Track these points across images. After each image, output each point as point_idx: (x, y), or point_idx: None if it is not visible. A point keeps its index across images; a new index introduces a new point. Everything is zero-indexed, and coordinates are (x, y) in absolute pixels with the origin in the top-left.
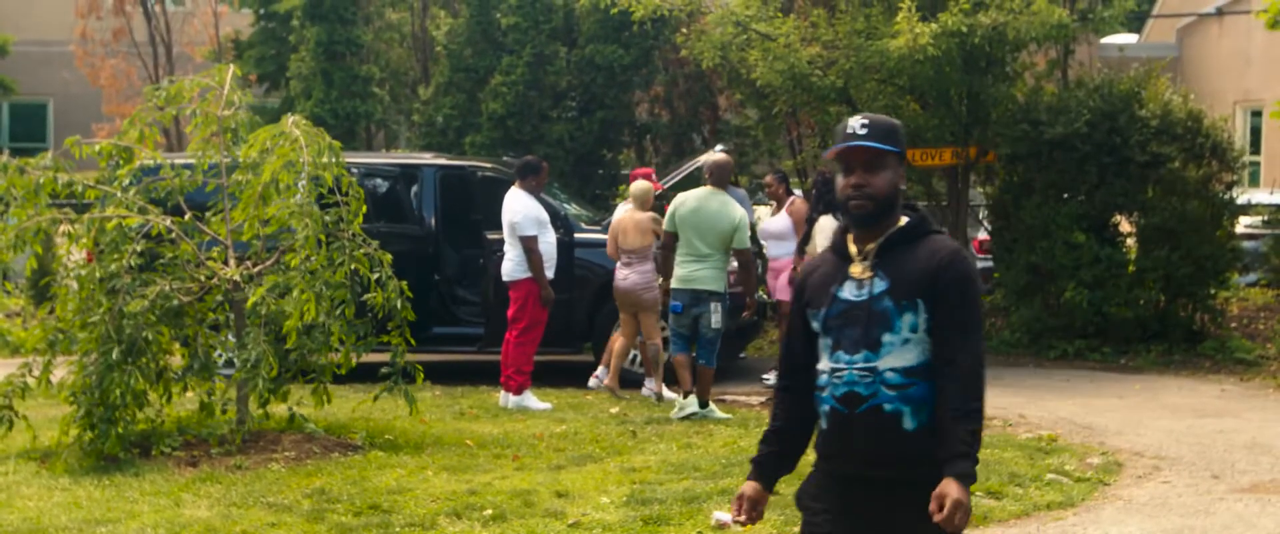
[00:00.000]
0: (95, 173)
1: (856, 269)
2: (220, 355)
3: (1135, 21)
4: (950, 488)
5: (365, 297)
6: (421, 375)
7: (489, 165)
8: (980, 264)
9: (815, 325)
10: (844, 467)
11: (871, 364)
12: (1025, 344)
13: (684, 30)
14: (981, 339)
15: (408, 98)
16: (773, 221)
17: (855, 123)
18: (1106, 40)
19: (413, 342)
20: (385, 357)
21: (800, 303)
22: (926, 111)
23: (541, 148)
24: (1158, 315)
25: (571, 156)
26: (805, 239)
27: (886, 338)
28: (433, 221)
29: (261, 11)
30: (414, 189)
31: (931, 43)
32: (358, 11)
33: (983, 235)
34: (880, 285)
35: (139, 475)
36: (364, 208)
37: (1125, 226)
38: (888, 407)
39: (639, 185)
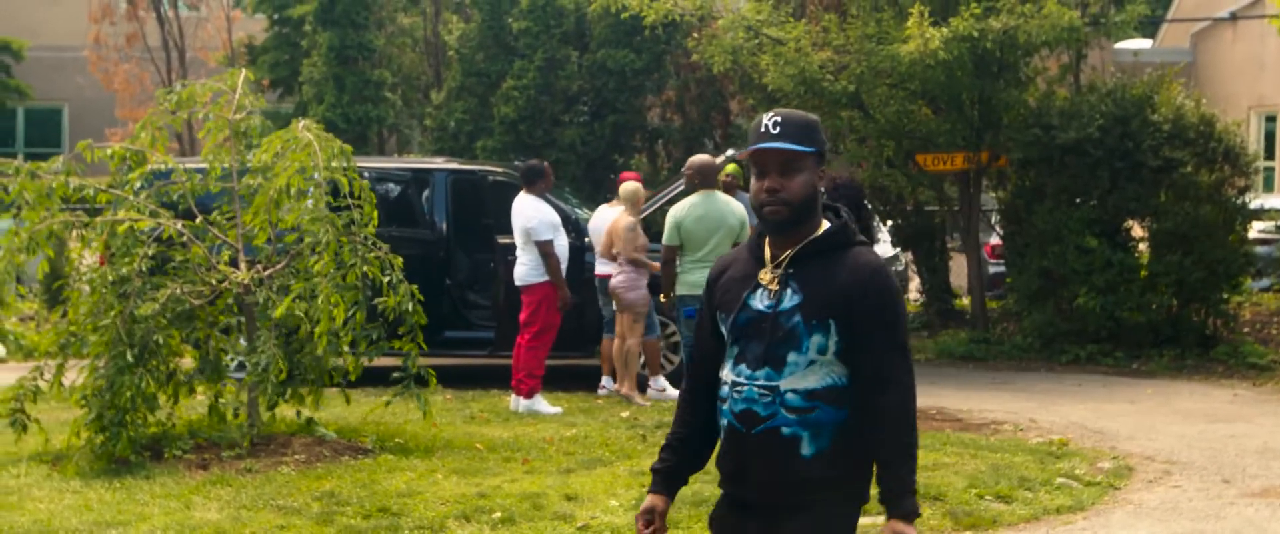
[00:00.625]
0: (108, 177)
1: (766, 276)
2: (231, 359)
3: (1149, 27)
4: (905, 529)
5: (376, 300)
6: (434, 380)
7: (500, 170)
8: (991, 269)
9: (723, 329)
10: (739, 490)
11: (773, 383)
12: (1037, 349)
13: (695, 35)
14: (912, 362)
15: (420, 102)
16: None
17: (768, 120)
18: (1120, 45)
19: (425, 346)
20: (396, 361)
21: (711, 302)
22: (938, 116)
23: (553, 152)
24: (1170, 320)
25: (583, 161)
26: None
27: (792, 357)
28: (444, 226)
29: (275, 17)
30: (425, 193)
31: (942, 47)
32: (370, 16)
33: (995, 240)
34: (791, 299)
35: (149, 478)
36: (376, 212)
37: (1137, 231)
38: (786, 430)
39: (629, 186)
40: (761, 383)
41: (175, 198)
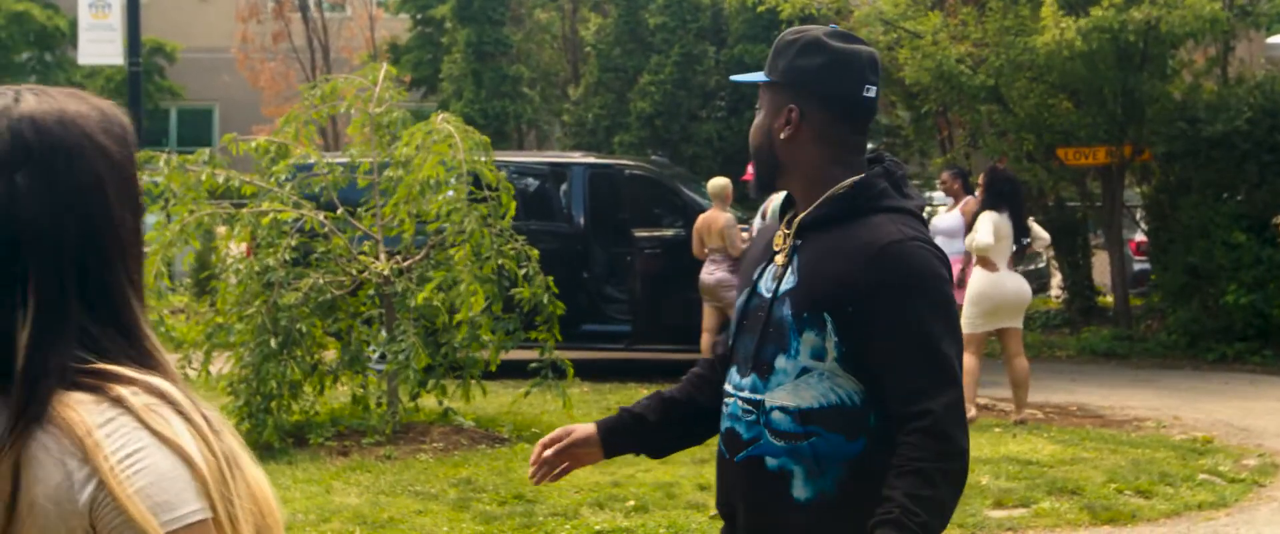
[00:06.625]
0: (253, 172)
1: (779, 242)
2: (373, 350)
3: None
4: None
5: (511, 291)
6: (572, 371)
7: (638, 164)
8: (1135, 266)
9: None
10: (731, 530)
11: (757, 397)
12: (1182, 347)
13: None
14: (957, 370)
15: (558, 98)
16: (943, 219)
17: None
18: (1272, 40)
19: (560, 337)
20: (534, 353)
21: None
22: (1080, 109)
23: (690, 147)
24: None
25: (720, 156)
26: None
27: (780, 361)
28: (582, 220)
29: (418, 16)
30: (563, 188)
31: (1080, 38)
32: (507, 12)
33: (1139, 236)
34: (789, 281)
35: (292, 464)
36: (513, 204)
37: None
38: (771, 461)
39: (717, 182)
40: (746, 395)
41: (318, 190)
